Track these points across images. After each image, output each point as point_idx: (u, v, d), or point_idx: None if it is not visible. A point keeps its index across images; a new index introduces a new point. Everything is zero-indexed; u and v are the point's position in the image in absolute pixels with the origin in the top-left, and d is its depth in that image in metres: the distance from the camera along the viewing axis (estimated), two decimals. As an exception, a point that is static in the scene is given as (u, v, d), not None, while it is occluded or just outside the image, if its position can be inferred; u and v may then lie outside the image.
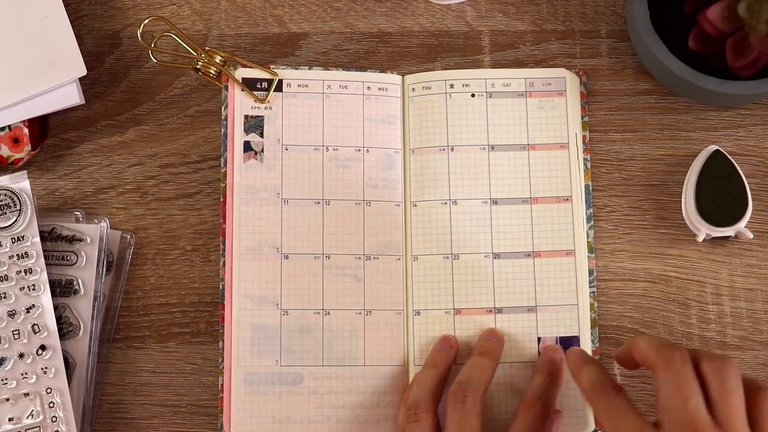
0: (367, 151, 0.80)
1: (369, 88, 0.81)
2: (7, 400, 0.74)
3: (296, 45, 0.84)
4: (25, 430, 0.74)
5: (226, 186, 0.79)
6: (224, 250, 0.78)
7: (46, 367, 0.75)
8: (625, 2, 0.83)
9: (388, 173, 0.80)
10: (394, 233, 0.79)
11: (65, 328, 0.77)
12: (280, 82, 0.81)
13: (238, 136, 0.80)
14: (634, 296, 0.79)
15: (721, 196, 0.77)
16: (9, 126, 0.79)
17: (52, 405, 0.75)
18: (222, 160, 0.80)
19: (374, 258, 0.79)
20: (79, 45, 0.80)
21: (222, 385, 0.77)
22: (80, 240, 0.78)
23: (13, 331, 0.75)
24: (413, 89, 0.81)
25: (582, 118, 0.81)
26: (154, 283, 0.80)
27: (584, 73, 0.82)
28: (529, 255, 0.79)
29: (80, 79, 0.80)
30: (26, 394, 0.75)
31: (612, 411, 0.67)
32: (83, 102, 0.80)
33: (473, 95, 0.81)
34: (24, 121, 0.79)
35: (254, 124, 0.80)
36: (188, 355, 0.79)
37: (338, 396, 0.77)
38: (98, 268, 0.78)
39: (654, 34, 0.78)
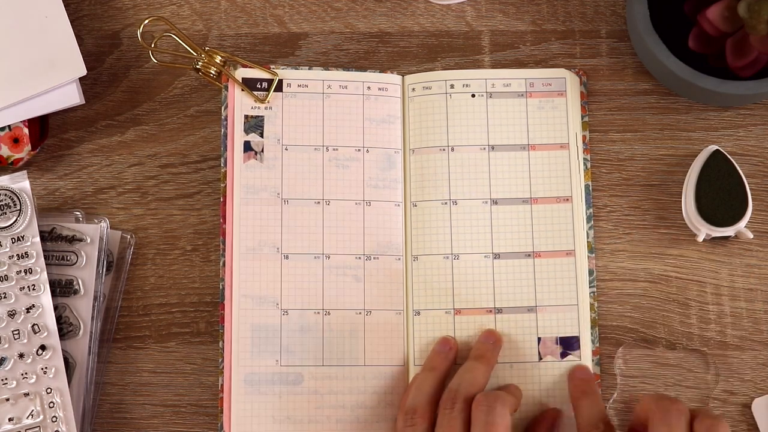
0: (367, 151, 0.80)
1: (369, 88, 0.81)
2: (7, 400, 0.74)
3: (296, 45, 0.84)
4: (25, 430, 0.74)
5: (226, 186, 0.79)
6: (224, 250, 0.78)
7: (46, 367, 0.75)
8: (625, 2, 0.83)
9: (388, 173, 0.80)
10: (394, 233, 0.79)
11: (65, 328, 0.77)
12: (280, 82, 0.81)
13: (238, 136, 0.80)
14: (634, 296, 0.79)
15: (721, 196, 0.77)
16: (9, 126, 0.79)
17: (52, 405, 0.75)
18: (222, 160, 0.80)
19: (374, 258, 0.79)
20: (79, 45, 0.80)
21: (222, 385, 0.77)
22: (80, 240, 0.78)
23: (13, 331, 0.75)
24: (413, 89, 0.81)
25: (582, 118, 0.81)
26: (154, 283, 0.80)
27: (584, 73, 0.82)
28: (529, 255, 0.79)
29: (80, 79, 0.80)
30: (26, 394, 0.75)
31: None
32: (83, 102, 0.80)
33: (473, 95, 0.81)
34: (24, 121, 0.79)
35: (254, 124, 0.80)
36: (188, 355, 0.79)
37: (338, 396, 0.77)
38: (98, 268, 0.78)
39: (654, 34, 0.78)
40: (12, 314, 0.75)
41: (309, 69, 0.81)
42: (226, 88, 0.81)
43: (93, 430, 0.77)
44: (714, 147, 0.78)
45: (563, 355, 0.77)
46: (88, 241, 0.78)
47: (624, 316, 0.79)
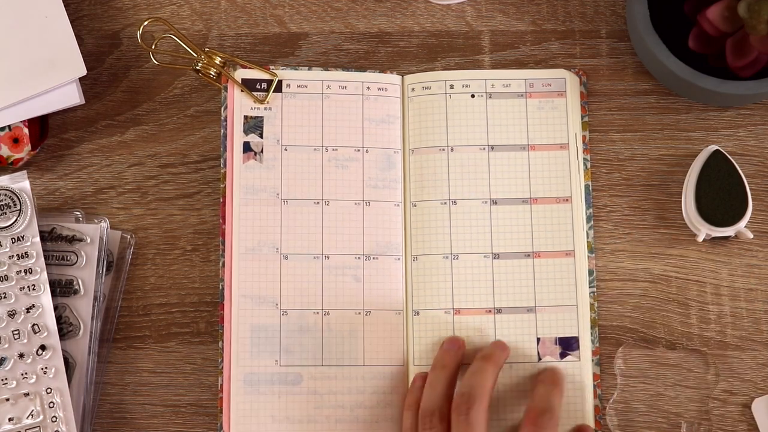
0: (367, 151, 0.80)
1: (368, 88, 0.81)
2: (7, 400, 0.75)
3: (296, 45, 0.84)
4: (25, 430, 0.74)
5: (225, 186, 0.79)
6: (224, 250, 0.78)
7: (46, 367, 0.75)
8: (625, 2, 0.83)
9: (387, 173, 0.80)
10: (394, 233, 0.79)
11: (65, 328, 0.77)
12: (280, 82, 0.81)
13: (237, 137, 0.80)
14: (634, 296, 0.79)
15: (721, 196, 0.77)
16: (9, 126, 0.79)
17: (52, 405, 0.75)
18: (222, 160, 0.80)
19: (374, 258, 0.79)
20: (79, 45, 0.80)
21: (221, 385, 0.77)
22: (80, 240, 0.78)
23: (13, 331, 0.75)
24: (413, 89, 0.81)
25: (582, 118, 0.81)
26: (154, 283, 0.80)
27: (584, 73, 0.82)
28: (528, 255, 0.79)
29: (80, 79, 0.80)
30: (26, 394, 0.75)
31: None
32: (83, 102, 0.80)
33: (473, 96, 0.81)
34: (24, 121, 0.79)
35: (254, 125, 0.80)
36: (188, 355, 0.79)
37: (337, 396, 0.77)
38: (98, 268, 0.78)
39: (654, 34, 0.78)
40: (12, 314, 0.76)
41: (308, 69, 0.81)
42: (226, 89, 0.81)
43: (93, 430, 0.77)
44: (714, 147, 0.78)
45: (562, 355, 0.77)
46: (88, 241, 0.78)
47: (624, 316, 0.79)
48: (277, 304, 0.78)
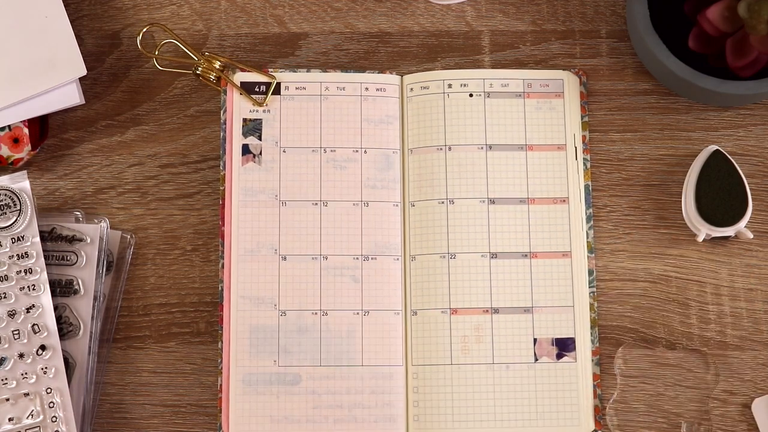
0: (365, 151, 0.80)
1: (367, 89, 0.81)
2: (7, 400, 0.75)
3: (296, 45, 0.84)
4: (25, 430, 0.74)
5: (225, 189, 0.79)
6: (223, 252, 0.78)
7: (46, 367, 0.75)
8: (625, 2, 0.83)
9: (386, 173, 0.80)
10: (392, 233, 0.79)
11: (65, 328, 0.77)
12: (278, 85, 0.81)
13: (236, 140, 0.80)
14: (634, 296, 0.79)
15: (721, 196, 0.77)
16: (9, 126, 0.79)
17: (52, 405, 0.75)
18: (221, 163, 0.80)
19: (372, 258, 0.79)
20: (79, 45, 0.80)
21: (221, 385, 0.77)
22: (80, 240, 0.78)
23: (13, 331, 0.76)
24: (411, 89, 0.81)
25: (582, 118, 0.81)
26: (154, 283, 0.80)
27: (584, 73, 0.82)
28: (525, 255, 0.79)
29: (80, 79, 0.80)
30: (26, 394, 0.75)
31: None
32: (83, 102, 0.81)
33: (471, 95, 0.81)
34: (24, 121, 0.79)
35: (252, 127, 0.80)
36: (188, 355, 0.79)
37: (336, 396, 0.77)
38: (98, 268, 0.78)
39: (654, 34, 0.78)
40: (12, 314, 0.76)
41: (307, 71, 0.81)
42: (225, 92, 0.81)
43: (93, 430, 0.78)
44: (714, 147, 0.78)
45: (559, 356, 0.77)
46: (88, 241, 0.78)
47: (624, 316, 0.79)
48: (275, 305, 0.78)
